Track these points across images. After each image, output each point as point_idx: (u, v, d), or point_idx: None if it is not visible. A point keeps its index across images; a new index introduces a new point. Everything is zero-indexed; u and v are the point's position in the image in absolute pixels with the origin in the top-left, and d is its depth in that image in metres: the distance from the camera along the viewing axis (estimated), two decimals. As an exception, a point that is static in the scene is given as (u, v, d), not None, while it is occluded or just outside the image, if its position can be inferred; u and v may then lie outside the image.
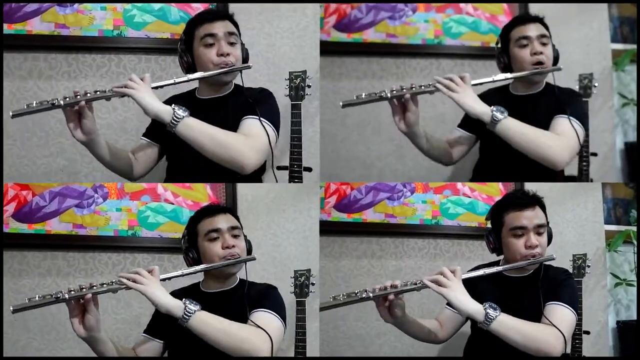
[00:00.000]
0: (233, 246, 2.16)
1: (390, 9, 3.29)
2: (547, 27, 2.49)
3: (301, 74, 2.73)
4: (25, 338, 2.85)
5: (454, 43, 3.32)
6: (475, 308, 2.08)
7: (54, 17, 2.97)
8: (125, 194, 2.93)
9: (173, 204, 2.95)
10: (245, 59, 2.37)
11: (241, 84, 2.40)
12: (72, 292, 1.96)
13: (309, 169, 2.83)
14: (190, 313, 1.98)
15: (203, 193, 2.95)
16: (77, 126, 2.12)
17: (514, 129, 2.30)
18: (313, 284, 2.77)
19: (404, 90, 2.28)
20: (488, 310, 2.07)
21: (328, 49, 3.19)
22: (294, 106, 2.70)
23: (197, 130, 2.17)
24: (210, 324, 2.00)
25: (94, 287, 1.98)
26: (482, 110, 2.28)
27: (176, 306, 1.98)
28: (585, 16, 3.34)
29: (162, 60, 3.02)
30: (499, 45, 2.54)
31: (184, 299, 2.00)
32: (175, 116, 2.13)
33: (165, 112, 2.14)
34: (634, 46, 3.38)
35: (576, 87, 2.96)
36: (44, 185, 2.90)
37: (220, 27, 2.31)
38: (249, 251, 2.24)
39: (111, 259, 2.93)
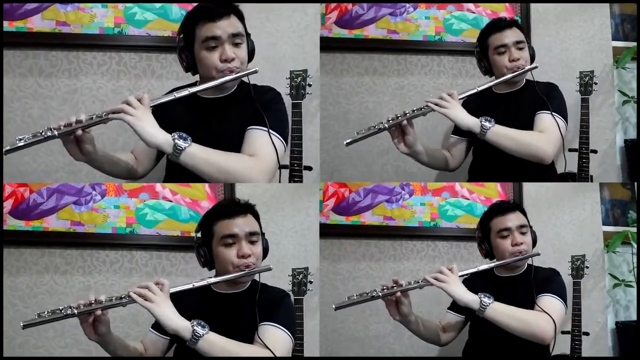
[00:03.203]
0: (249, 255, 2.08)
1: (391, 6, 3.29)
2: (522, 29, 2.62)
3: (302, 73, 2.74)
4: (22, 336, 2.83)
5: (455, 40, 3.33)
6: (471, 297, 2.26)
7: (55, 15, 2.96)
8: (124, 191, 2.92)
9: (171, 201, 2.95)
10: (251, 54, 2.20)
11: (247, 81, 2.23)
12: (82, 307, 1.93)
13: (309, 168, 2.85)
14: (198, 336, 1.93)
15: (201, 191, 2.96)
16: None
17: (501, 133, 2.43)
18: (311, 282, 2.77)
19: (400, 117, 2.39)
20: (482, 299, 2.25)
21: (329, 45, 3.19)
22: (295, 105, 2.69)
23: (200, 159, 2.01)
24: (219, 347, 1.95)
25: (103, 302, 1.94)
26: (473, 122, 2.42)
27: (184, 328, 1.93)
28: (586, 14, 3.33)
29: (162, 58, 3.01)
30: (479, 50, 2.67)
31: (192, 321, 1.95)
32: (177, 147, 1.97)
33: (166, 143, 1.97)
34: (635, 44, 3.38)
35: (577, 84, 3.02)
36: (41, 183, 2.90)
37: (224, 28, 2.11)
38: (266, 253, 2.17)
39: (109, 256, 2.92)
